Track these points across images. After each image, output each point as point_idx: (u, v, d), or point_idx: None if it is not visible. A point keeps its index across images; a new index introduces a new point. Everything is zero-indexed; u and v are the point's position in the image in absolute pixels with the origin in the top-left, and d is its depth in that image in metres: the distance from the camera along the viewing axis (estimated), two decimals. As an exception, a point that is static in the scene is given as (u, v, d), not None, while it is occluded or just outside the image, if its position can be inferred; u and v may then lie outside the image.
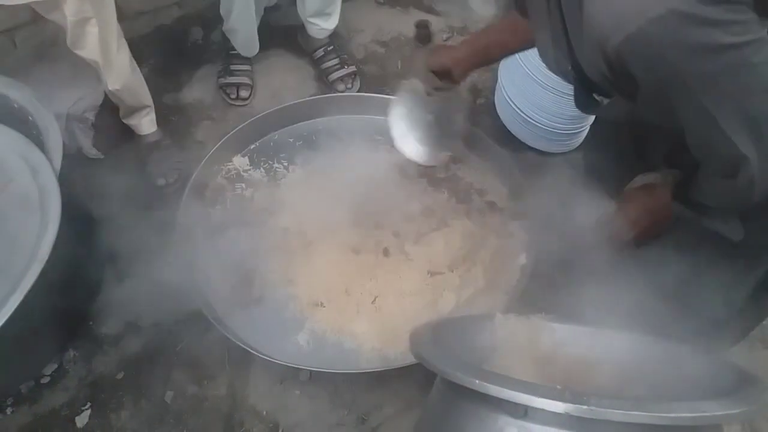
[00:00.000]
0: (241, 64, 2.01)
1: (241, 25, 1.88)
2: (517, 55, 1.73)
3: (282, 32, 2.16)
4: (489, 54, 1.36)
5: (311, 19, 1.97)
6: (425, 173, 1.77)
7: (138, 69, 1.71)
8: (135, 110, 1.75)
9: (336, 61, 2.04)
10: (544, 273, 1.57)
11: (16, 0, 1.33)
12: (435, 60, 1.40)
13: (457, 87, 1.49)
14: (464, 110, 1.67)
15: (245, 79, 2.01)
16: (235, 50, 1.99)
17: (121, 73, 1.62)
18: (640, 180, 1.16)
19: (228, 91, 2.00)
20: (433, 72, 1.42)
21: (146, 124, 1.78)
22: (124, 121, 1.78)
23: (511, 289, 1.55)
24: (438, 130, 1.64)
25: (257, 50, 2.00)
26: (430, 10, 2.34)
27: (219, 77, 2.03)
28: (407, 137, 1.67)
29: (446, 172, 1.78)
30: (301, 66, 2.10)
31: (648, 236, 1.14)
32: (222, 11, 1.87)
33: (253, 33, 1.93)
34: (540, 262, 1.57)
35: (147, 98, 1.75)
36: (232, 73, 2.00)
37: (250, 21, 1.87)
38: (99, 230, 1.64)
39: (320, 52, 2.05)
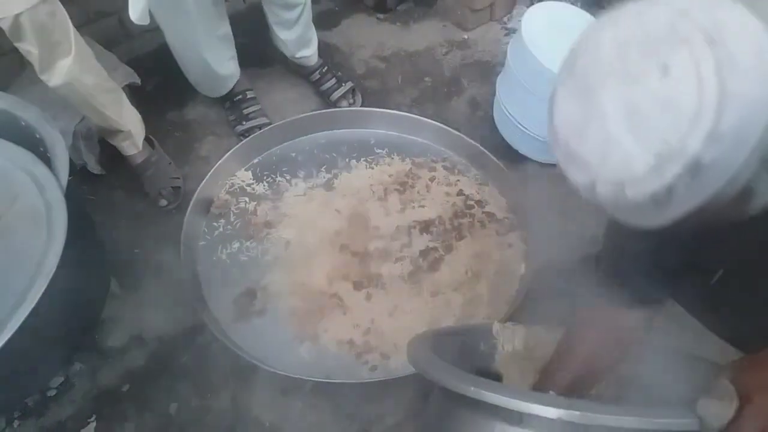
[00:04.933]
0: (250, 105, 1.99)
1: (213, 81, 1.92)
2: (513, 67, 1.76)
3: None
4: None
5: (297, 55, 2.01)
6: (426, 185, 1.79)
7: (118, 95, 1.67)
8: (111, 133, 1.71)
9: (333, 80, 2.05)
10: (544, 282, 1.59)
11: None
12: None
13: None
14: None
15: (263, 120, 1.97)
16: (239, 95, 1.99)
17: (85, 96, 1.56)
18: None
19: (249, 135, 1.92)
20: None
21: (126, 147, 1.75)
22: (107, 140, 1.75)
23: (511, 299, 1.56)
24: None
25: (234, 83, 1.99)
26: (432, 27, 2.38)
27: (235, 126, 1.98)
28: None
29: (448, 185, 1.80)
30: (302, 81, 2.12)
31: None
32: (188, 78, 1.91)
33: (226, 81, 1.95)
34: (539, 272, 1.58)
35: (122, 125, 1.69)
36: (246, 118, 1.97)
37: (219, 72, 1.89)
38: (104, 244, 1.66)
39: (316, 75, 2.07)
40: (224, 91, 1.98)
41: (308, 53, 2.02)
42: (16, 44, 1.38)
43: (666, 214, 0.58)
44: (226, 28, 1.81)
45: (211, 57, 1.82)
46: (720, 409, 0.70)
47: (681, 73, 0.53)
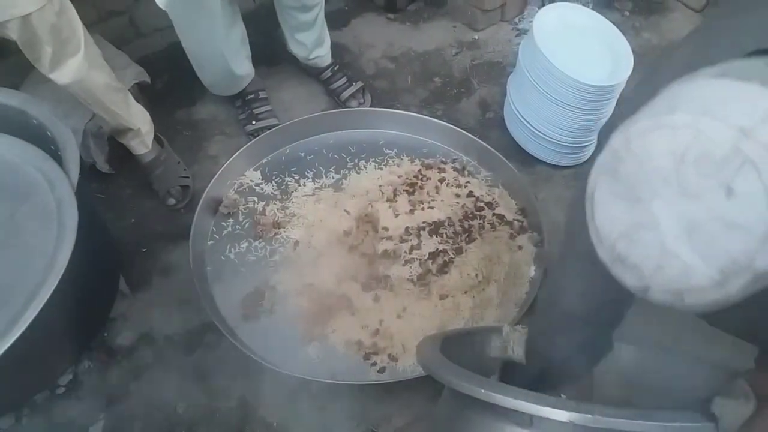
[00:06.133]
0: (262, 105, 1.98)
1: (229, 81, 1.92)
2: (525, 68, 1.75)
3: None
4: None
5: (312, 56, 2.01)
6: (436, 187, 1.79)
7: (125, 93, 1.66)
8: (121, 132, 1.71)
9: (344, 79, 2.05)
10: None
11: None
12: None
13: None
14: None
15: (273, 121, 1.97)
16: (251, 95, 1.99)
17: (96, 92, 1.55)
18: None
19: (258, 135, 1.93)
20: None
21: (136, 145, 1.74)
22: (117, 139, 1.74)
23: (521, 301, 1.55)
24: None
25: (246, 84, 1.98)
26: (442, 27, 2.38)
27: (245, 125, 1.98)
28: None
29: (457, 186, 1.80)
30: (312, 80, 2.13)
31: None
32: (202, 79, 1.91)
33: (241, 80, 1.94)
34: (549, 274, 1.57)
35: (131, 123, 1.68)
36: (257, 118, 1.97)
37: (236, 72, 1.88)
38: (113, 243, 1.67)
39: (328, 73, 2.07)
40: (237, 90, 1.98)
41: (323, 53, 2.02)
42: (26, 50, 1.38)
43: (722, 305, 0.59)
44: (242, 28, 1.82)
45: (231, 57, 1.82)
46: (737, 408, 0.72)
47: (748, 195, 0.52)
